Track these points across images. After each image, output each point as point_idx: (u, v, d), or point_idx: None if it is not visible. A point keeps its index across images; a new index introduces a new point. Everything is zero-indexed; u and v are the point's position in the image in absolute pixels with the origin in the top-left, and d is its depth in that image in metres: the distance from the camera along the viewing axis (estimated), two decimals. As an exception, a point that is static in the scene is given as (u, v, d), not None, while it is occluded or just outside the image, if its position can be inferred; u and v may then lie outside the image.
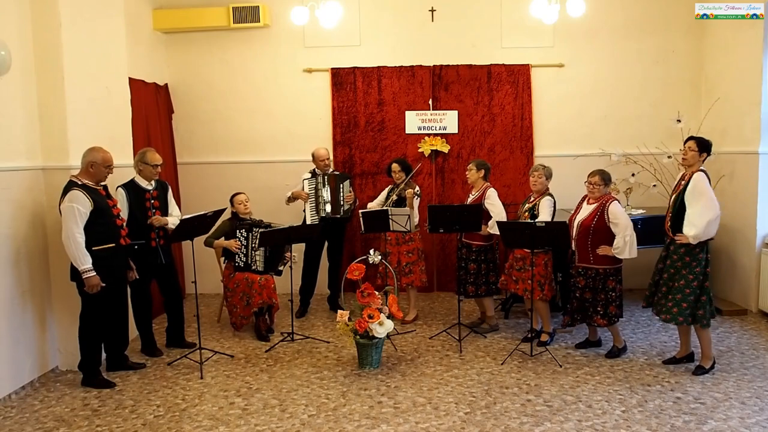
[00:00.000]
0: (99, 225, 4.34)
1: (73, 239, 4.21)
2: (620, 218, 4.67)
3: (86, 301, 4.44)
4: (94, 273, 4.27)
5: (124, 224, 4.63)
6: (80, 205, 4.24)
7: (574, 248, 4.85)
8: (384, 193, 6.05)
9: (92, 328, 4.49)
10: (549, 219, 4.98)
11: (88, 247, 4.29)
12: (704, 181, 4.32)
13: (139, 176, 4.94)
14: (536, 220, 4.93)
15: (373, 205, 5.98)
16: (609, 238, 4.71)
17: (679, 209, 4.40)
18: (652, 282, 4.66)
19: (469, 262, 5.48)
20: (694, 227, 4.28)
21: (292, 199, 6.15)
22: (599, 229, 4.71)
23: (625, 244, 4.62)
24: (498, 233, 5.19)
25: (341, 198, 6.11)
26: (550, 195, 5.16)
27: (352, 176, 6.78)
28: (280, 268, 5.75)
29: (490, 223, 5.26)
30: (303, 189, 6.08)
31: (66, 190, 4.31)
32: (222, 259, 5.84)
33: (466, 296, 5.52)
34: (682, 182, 4.46)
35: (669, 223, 4.47)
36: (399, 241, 5.81)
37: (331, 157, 6.60)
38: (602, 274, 4.76)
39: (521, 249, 5.06)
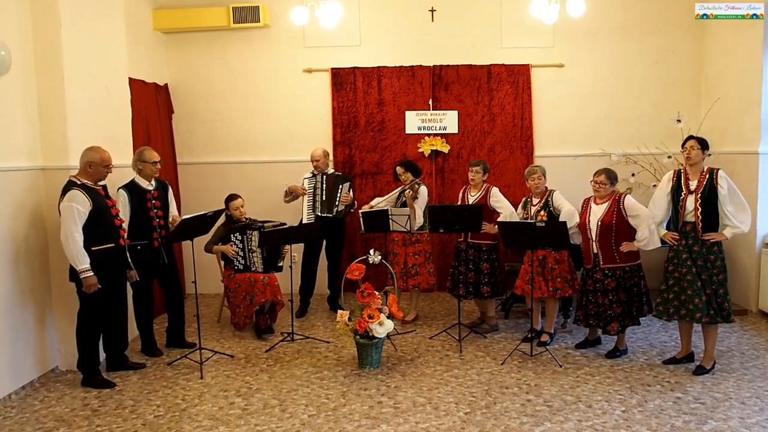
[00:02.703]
0: (98, 225, 4.33)
1: (72, 239, 4.21)
2: (639, 209, 4.68)
3: (84, 301, 4.44)
4: (91, 273, 4.27)
5: (124, 224, 4.62)
6: (79, 205, 4.24)
7: (596, 250, 4.78)
8: (394, 193, 6.01)
9: (89, 328, 4.49)
10: (572, 209, 4.99)
11: (87, 246, 4.28)
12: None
13: (139, 176, 4.93)
14: (542, 219, 4.92)
15: (380, 200, 5.94)
16: (629, 234, 4.70)
17: (709, 210, 4.39)
18: (677, 289, 4.49)
19: (481, 262, 5.44)
20: (745, 224, 4.40)
21: (288, 193, 6.15)
22: (620, 226, 4.70)
23: (651, 234, 4.61)
24: None
25: (337, 198, 6.11)
26: (555, 190, 5.17)
27: (353, 176, 6.78)
28: (280, 264, 5.75)
29: (500, 219, 5.23)
30: (302, 185, 6.11)
31: (65, 189, 4.31)
32: (221, 261, 5.85)
33: (481, 298, 5.48)
34: (695, 183, 4.42)
35: (700, 225, 4.41)
36: (406, 242, 5.79)
37: (331, 158, 6.61)
38: (629, 271, 4.75)
39: (542, 250, 5.02)
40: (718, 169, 4.44)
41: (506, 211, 5.31)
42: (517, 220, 5.19)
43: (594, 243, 4.78)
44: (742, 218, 4.39)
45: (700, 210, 4.41)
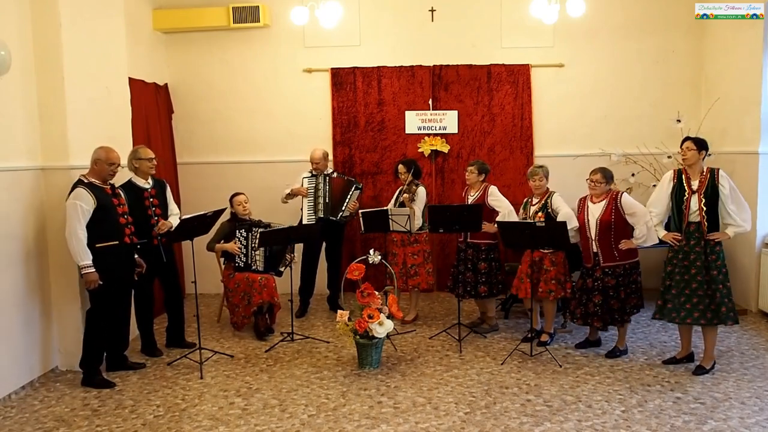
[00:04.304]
0: (103, 222, 4.38)
1: (75, 236, 4.27)
2: (636, 207, 4.72)
3: (95, 300, 4.46)
4: (93, 269, 4.31)
5: (130, 223, 4.63)
6: (83, 203, 4.29)
7: (595, 249, 4.79)
8: (396, 194, 6.03)
9: (99, 327, 4.51)
10: (570, 212, 5.00)
11: (92, 244, 4.32)
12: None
13: (136, 176, 4.94)
14: (539, 220, 4.93)
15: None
16: (627, 232, 4.73)
17: (712, 210, 4.42)
18: (675, 291, 4.50)
19: (479, 261, 5.44)
20: (747, 222, 4.44)
21: (291, 195, 6.13)
22: (619, 224, 4.74)
23: (648, 230, 4.64)
24: None
25: (344, 204, 6.08)
26: (555, 192, 5.16)
27: (353, 176, 6.77)
28: (281, 269, 5.76)
29: (498, 218, 5.24)
30: (302, 186, 6.10)
31: (72, 187, 4.37)
32: (222, 259, 5.85)
33: (478, 297, 5.49)
34: (697, 183, 4.44)
35: (706, 224, 4.42)
36: (404, 242, 5.79)
37: (330, 158, 6.61)
38: (629, 269, 4.79)
39: (538, 251, 5.02)
40: (718, 169, 4.47)
41: (504, 209, 5.31)
42: (516, 219, 5.21)
43: (594, 242, 4.80)
44: (744, 217, 4.43)
45: (705, 210, 4.43)
